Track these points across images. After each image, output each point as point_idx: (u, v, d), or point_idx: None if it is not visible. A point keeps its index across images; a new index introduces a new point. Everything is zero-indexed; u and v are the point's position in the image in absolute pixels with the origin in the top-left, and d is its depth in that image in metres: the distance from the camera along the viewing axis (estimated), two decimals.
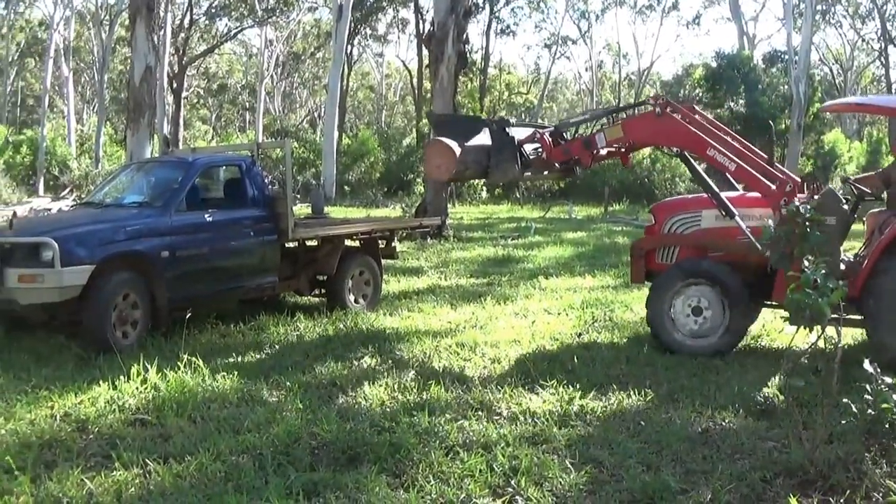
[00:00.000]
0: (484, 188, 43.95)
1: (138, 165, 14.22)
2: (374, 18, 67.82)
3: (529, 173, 11.84)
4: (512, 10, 73.55)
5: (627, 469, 6.55)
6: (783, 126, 42.11)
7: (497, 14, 70.24)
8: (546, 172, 12.40)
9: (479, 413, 7.97)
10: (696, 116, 11.37)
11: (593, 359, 10.08)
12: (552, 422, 7.67)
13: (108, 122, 62.44)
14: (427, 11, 58.64)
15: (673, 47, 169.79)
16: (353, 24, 57.28)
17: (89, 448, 7.05)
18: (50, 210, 28.54)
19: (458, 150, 10.90)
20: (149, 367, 8.96)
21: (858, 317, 9.79)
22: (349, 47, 63.03)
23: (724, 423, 7.72)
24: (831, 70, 70.63)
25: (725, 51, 47.82)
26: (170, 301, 11.05)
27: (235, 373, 9.29)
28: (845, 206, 10.17)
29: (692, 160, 11.75)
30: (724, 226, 10.77)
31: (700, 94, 50.69)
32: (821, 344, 6.52)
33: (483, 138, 11.36)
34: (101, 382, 8.68)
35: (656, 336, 10.80)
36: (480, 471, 6.46)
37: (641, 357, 10.22)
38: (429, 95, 36.24)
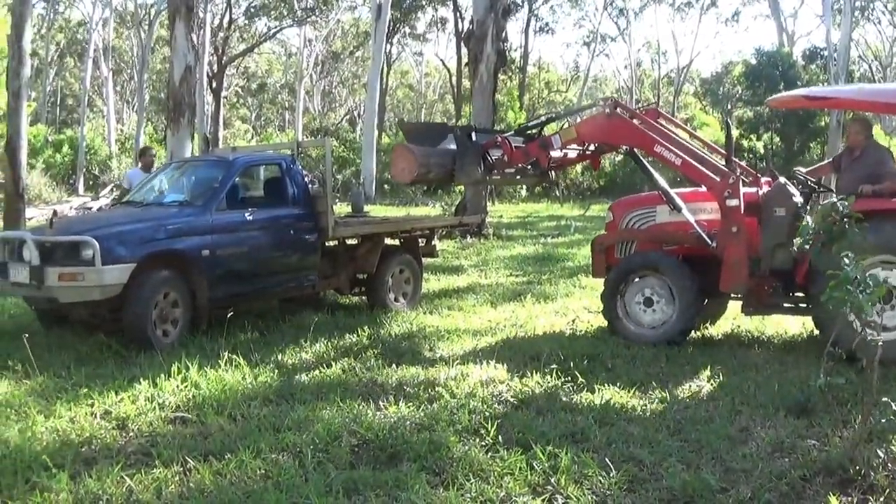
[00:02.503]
0: (524, 187, 43.85)
1: (178, 164, 14.24)
2: (413, 17, 67.68)
3: (496, 175, 12.31)
4: (551, 7, 73.18)
5: (667, 468, 6.50)
6: (822, 123, 41.89)
7: (536, 12, 70.32)
8: (519, 177, 13.04)
9: (519, 411, 7.95)
10: (660, 120, 12.01)
11: (633, 357, 10.04)
12: (592, 420, 7.62)
13: (148, 122, 62.83)
14: (466, 10, 58.77)
15: (712, 44, 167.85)
16: (392, 23, 57.38)
17: (129, 446, 7.06)
18: (90, 209, 28.75)
19: (418, 154, 11.63)
20: (189, 365, 9.01)
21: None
22: (388, 46, 63.10)
23: (763, 422, 7.65)
24: (870, 67, 69.88)
25: (765, 48, 47.62)
26: (210, 299, 11.09)
27: (275, 371, 9.32)
28: (797, 199, 10.61)
29: (641, 158, 12.32)
30: (677, 220, 11.30)
31: (740, 92, 50.50)
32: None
33: (449, 143, 12.01)
34: (141, 380, 8.70)
35: (611, 326, 11.34)
36: (520, 469, 6.42)
37: (681, 356, 10.17)
38: (468, 94, 36.18)
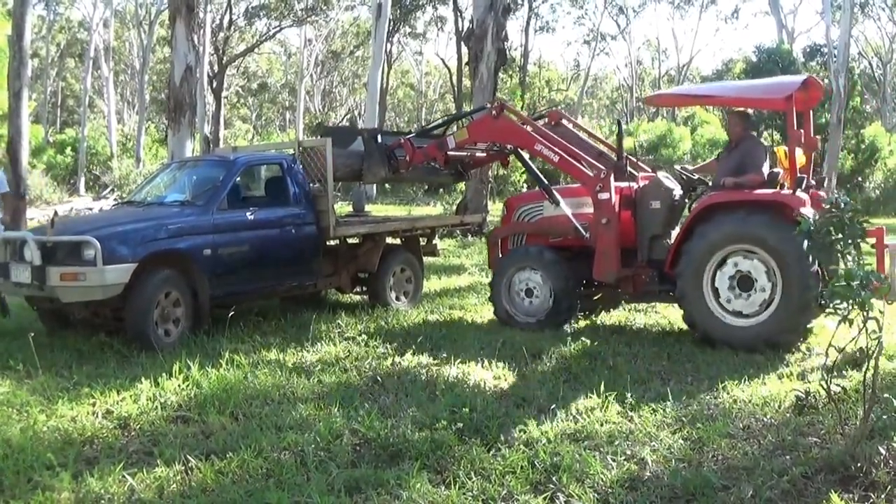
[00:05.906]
0: (525, 185, 43.84)
1: (179, 164, 14.23)
2: (413, 17, 67.69)
3: (404, 174, 13.46)
4: (551, 6, 73.35)
5: (668, 465, 6.51)
6: (823, 120, 41.85)
7: (536, 11, 70.25)
8: (432, 176, 14.38)
9: (521, 409, 7.95)
10: (563, 121, 12.89)
11: (635, 355, 10.05)
12: (594, 418, 7.63)
13: (148, 122, 62.80)
14: (466, 9, 58.66)
15: (712, 42, 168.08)
16: (392, 23, 57.39)
17: (131, 445, 7.07)
18: (91, 209, 28.76)
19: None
20: (191, 364, 9.02)
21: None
22: (388, 46, 63.01)
23: (765, 419, 7.66)
24: (870, 63, 69.95)
25: (765, 45, 47.50)
26: (211, 299, 11.09)
27: (277, 370, 9.31)
28: (674, 192, 11.25)
29: (525, 157, 13.27)
30: (561, 214, 12.11)
31: None
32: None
33: (359, 145, 12.99)
34: (143, 380, 8.70)
35: (499, 318, 12.20)
36: (522, 467, 6.42)
37: (683, 353, 10.19)
38: (469, 93, 36.17)
